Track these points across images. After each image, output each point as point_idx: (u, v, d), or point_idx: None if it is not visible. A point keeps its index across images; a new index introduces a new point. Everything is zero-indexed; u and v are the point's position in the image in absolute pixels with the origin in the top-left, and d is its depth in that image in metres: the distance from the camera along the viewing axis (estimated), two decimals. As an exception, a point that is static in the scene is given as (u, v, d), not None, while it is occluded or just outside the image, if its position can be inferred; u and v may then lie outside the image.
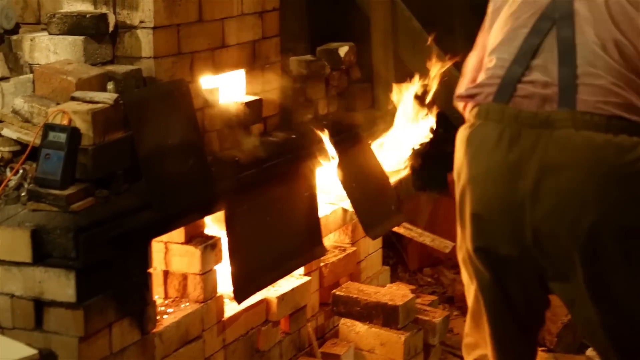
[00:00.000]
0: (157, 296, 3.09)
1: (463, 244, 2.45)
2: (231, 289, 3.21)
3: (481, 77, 2.41)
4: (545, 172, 2.23)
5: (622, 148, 2.21)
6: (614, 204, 2.22)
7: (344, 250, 3.99)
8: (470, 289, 2.50)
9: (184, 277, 3.15)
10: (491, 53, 2.40)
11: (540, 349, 4.33)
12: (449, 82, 5.70)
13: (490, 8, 2.53)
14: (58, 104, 2.83)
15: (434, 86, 4.06)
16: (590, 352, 4.02)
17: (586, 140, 2.21)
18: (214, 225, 3.34)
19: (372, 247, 4.17)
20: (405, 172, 4.18)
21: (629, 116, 2.22)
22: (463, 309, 4.73)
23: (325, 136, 3.64)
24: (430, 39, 4.38)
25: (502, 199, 2.30)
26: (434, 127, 4.14)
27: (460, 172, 2.40)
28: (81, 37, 2.98)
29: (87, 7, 3.07)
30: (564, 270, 2.30)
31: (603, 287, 2.27)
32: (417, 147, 4.10)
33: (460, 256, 2.49)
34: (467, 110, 2.44)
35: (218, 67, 3.30)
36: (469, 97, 2.42)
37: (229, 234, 3.22)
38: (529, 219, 2.26)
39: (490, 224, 2.33)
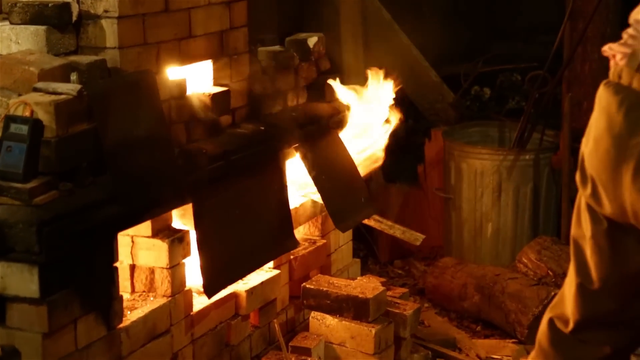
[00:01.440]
0: (124, 291, 3.05)
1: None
2: (200, 282, 3.17)
3: (624, 37, 2.36)
4: None
5: None
6: None
7: (314, 242, 3.96)
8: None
9: (151, 271, 3.11)
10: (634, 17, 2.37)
11: (510, 340, 4.34)
12: (418, 73, 5.73)
13: None
14: (20, 95, 2.77)
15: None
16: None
17: None
18: (181, 219, 3.29)
19: (342, 240, 4.14)
20: (376, 163, 4.16)
21: None
22: (433, 301, 4.74)
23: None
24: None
25: (607, 167, 2.28)
26: (403, 118, 4.12)
27: (590, 125, 2.38)
28: (43, 27, 2.92)
29: (50, -4, 3.01)
30: None
31: None
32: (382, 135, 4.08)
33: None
34: (611, 65, 2.39)
35: (185, 57, 3.25)
36: (611, 52, 2.38)
37: (197, 227, 3.17)
38: (628, 192, 2.24)
39: (598, 186, 2.33)
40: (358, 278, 4.08)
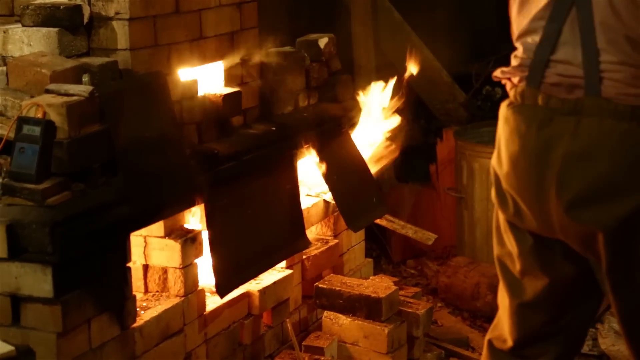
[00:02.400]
0: (137, 291, 3.06)
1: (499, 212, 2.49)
2: (213, 282, 3.18)
3: (513, 61, 2.43)
4: (571, 160, 2.24)
5: None
6: None
7: (327, 242, 3.96)
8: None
9: (164, 271, 3.12)
10: (517, 39, 2.42)
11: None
12: (430, 73, 5.73)
13: None
14: (32, 96, 2.79)
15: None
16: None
17: (612, 128, 2.21)
18: (194, 218, 3.31)
19: (354, 240, 4.14)
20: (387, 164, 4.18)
21: None
22: (446, 301, 4.73)
23: None
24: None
25: (529, 186, 2.32)
26: (413, 118, 4.14)
27: (499, 146, 2.44)
28: (55, 29, 2.94)
29: (61, -1, 3.04)
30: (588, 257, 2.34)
31: (624, 276, 2.29)
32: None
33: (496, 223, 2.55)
34: (508, 87, 2.45)
35: (196, 58, 3.27)
36: (504, 77, 2.45)
37: (209, 228, 3.18)
38: (554, 207, 2.27)
39: (521, 205, 2.37)
40: (370, 278, 4.09)
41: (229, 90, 3.39)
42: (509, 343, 2.54)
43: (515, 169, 2.36)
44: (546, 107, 2.29)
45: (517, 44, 2.41)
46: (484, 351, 2.64)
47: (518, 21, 2.42)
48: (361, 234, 4.18)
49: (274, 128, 3.56)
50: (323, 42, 3.97)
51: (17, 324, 2.63)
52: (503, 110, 2.42)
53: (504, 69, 2.45)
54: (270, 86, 3.66)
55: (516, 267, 2.48)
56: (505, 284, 2.54)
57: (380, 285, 3.75)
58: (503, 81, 2.48)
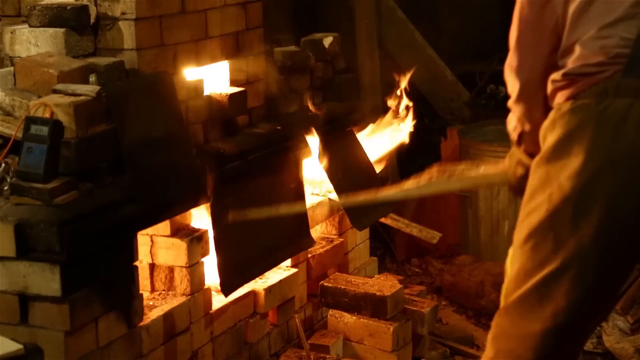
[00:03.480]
0: (144, 290, 3.07)
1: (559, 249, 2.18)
2: (218, 281, 3.20)
3: (593, 56, 2.21)
4: None
5: None
6: None
7: (332, 241, 3.98)
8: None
9: (171, 269, 3.13)
10: (602, 29, 2.21)
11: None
12: (434, 72, 5.73)
13: None
14: (40, 96, 2.81)
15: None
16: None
17: None
18: (201, 217, 3.32)
19: (359, 238, 4.16)
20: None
21: None
22: (451, 299, 4.74)
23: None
24: None
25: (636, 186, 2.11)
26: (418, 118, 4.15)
27: (578, 158, 2.15)
28: (62, 29, 2.96)
29: (68, -1, 3.05)
30: None
31: None
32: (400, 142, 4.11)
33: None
34: (562, 92, 2.24)
35: (201, 58, 3.28)
36: (581, 75, 2.21)
37: (215, 227, 3.20)
38: None
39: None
40: (375, 276, 4.10)
41: (235, 89, 3.40)
42: None
43: (614, 173, 2.12)
44: None
45: (604, 32, 2.19)
46: None
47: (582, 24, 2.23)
48: (366, 232, 4.19)
49: (279, 127, 3.57)
50: (327, 41, 3.99)
51: (25, 322, 2.65)
52: (584, 113, 2.17)
53: (581, 64, 2.21)
54: (275, 86, 3.67)
55: None
56: None
57: (385, 284, 3.76)
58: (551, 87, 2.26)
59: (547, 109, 2.31)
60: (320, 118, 3.79)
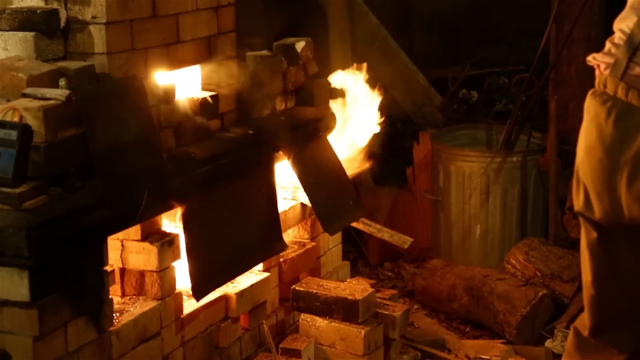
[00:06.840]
0: (114, 294, 3.06)
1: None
2: (190, 285, 3.19)
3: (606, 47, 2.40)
4: None
5: None
6: None
7: (304, 245, 3.98)
8: None
9: (141, 274, 3.12)
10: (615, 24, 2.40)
11: (499, 340, 4.37)
12: (406, 77, 5.76)
13: None
14: (9, 100, 2.79)
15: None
16: (549, 343, 4.06)
17: None
18: (171, 222, 3.31)
19: (331, 242, 4.16)
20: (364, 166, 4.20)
21: None
22: (423, 303, 4.76)
23: None
24: None
25: (601, 175, 2.33)
26: (388, 122, 4.17)
27: (581, 136, 2.44)
28: (32, 33, 2.94)
29: (38, 3, 3.03)
30: None
31: None
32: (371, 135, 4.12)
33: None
34: (596, 74, 2.42)
35: (173, 62, 3.28)
36: (595, 63, 2.42)
37: (186, 231, 3.19)
38: (624, 198, 2.29)
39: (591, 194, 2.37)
40: (347, 280, 4.11)
41: (206, 94, 3.40)
42: (588, 329, 2.58)
43: (590, 158, 2.36)
44: (625, 98, 2.27)
45: (615, 29, 2.38)
46: (570, 334, 2.67)
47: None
48: (338, 236, 4.20)
49: (251, 132, 3.57)
50: (300, 45, 3.99)
51: (-7, 328, 2.63)
52: (587, 99, 2.41)
53: (596, 54, 2.43)
54: (247, 90, 3.67)
55: (585, 258, 2.52)
56: (582, 273, 2.58)
57: (357, 288, 3.77)
58: (594, 67, 2.45)
59: None
60: (292, 123, 3.79)
